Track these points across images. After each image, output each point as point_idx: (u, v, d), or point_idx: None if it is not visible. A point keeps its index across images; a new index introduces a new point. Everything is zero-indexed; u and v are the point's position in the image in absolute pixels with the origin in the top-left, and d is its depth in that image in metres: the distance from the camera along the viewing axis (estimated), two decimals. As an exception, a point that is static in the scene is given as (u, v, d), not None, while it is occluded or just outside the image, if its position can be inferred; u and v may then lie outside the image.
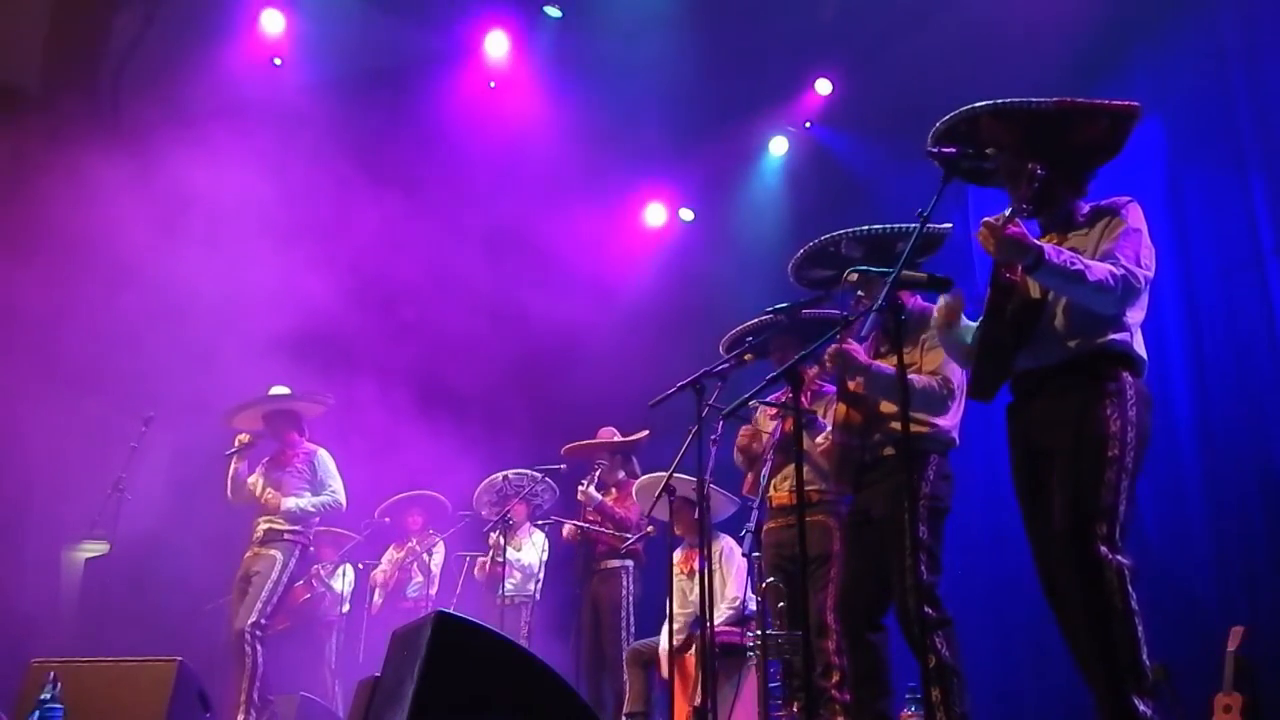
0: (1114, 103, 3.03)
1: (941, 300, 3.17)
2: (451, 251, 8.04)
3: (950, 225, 3.91)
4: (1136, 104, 3.02)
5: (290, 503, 5.85)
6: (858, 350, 3.65)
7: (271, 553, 5.77)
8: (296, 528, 5.92)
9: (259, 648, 5.58)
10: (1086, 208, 3.12)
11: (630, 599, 6.23)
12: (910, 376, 3.19)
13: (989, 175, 3.21)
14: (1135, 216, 3.01)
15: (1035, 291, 3.02)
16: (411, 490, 7.41)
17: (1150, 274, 2.95)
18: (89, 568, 7.85)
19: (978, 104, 3.04)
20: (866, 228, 3.83)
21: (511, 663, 3.06)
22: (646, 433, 6.54)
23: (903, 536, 3.46)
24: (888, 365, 3.62)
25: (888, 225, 3.80)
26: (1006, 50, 6.44)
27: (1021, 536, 3.15)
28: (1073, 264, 2.82)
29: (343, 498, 6.07)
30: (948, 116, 3.10)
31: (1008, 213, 2.89)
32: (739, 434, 4.87)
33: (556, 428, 6.78)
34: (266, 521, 5.89)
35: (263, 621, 5.64)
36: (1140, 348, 3.01)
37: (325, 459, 6.11)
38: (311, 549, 7.30)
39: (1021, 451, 3.12)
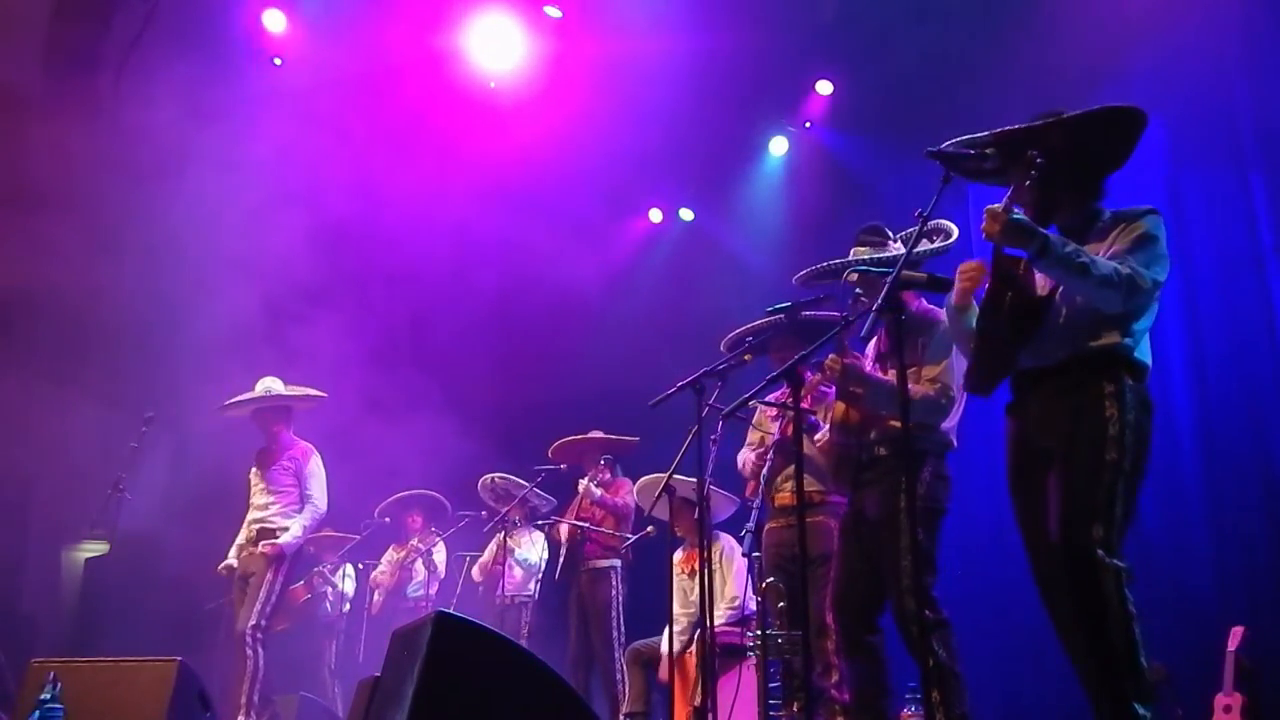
0: (1078, 113, 2.98)
1: (965, 268, 3.14)
2: (450, 250, 8.05)
3: (955, 236, 3.88)
4: (1117, 106, 2.98)
5: (285, 539, 5.77)
6: (860, 362, 3.65)
7: (266, 552, 5.75)
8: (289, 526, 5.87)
9: (260, 650, 5.57)
10: (1108, 215, 3.11)
11: (620, 599, 6.22)
12: (911, 388, 3.18)
13: (990, 174, 3.20)
14: (1153, 225, 2.98)
15: (1040, 290, 3.01)
16: (411, 489, 7.40)
17: (1159, 280, 2.92)
18: (89, 568, 7.86)
19: (978, 135, 3.03)
20: (875, 257, 3.82)
21: (511, 663, 3.06)
22: (636, 439, 6.53)
23: (897, 538, 3.46)
24: (888, 377, 3.62)
25: (892, 254, 3.79)
26: (1006, 51, 6.45)
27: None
28: (1078, 255, 2.81)
29: (322, 505, 5.97)
30: (950, 143, 3.09)
31: (1007, 201, 2.87)
32: (741, 459, 4.89)
33: (553, 428, 6.77)
34: (259, 521, 5.87)
35: (263, 623, 5.62)
36: (1144, 354, 3.00)
37: (315, 461, 6.03)
38: (310, 548, 7.31)
39: (1017, 451, 3.11)
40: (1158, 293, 2.98)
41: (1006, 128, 3.01)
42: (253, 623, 5.58)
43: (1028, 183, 2.89)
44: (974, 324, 3.13)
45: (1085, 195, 3.11)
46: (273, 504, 5.89)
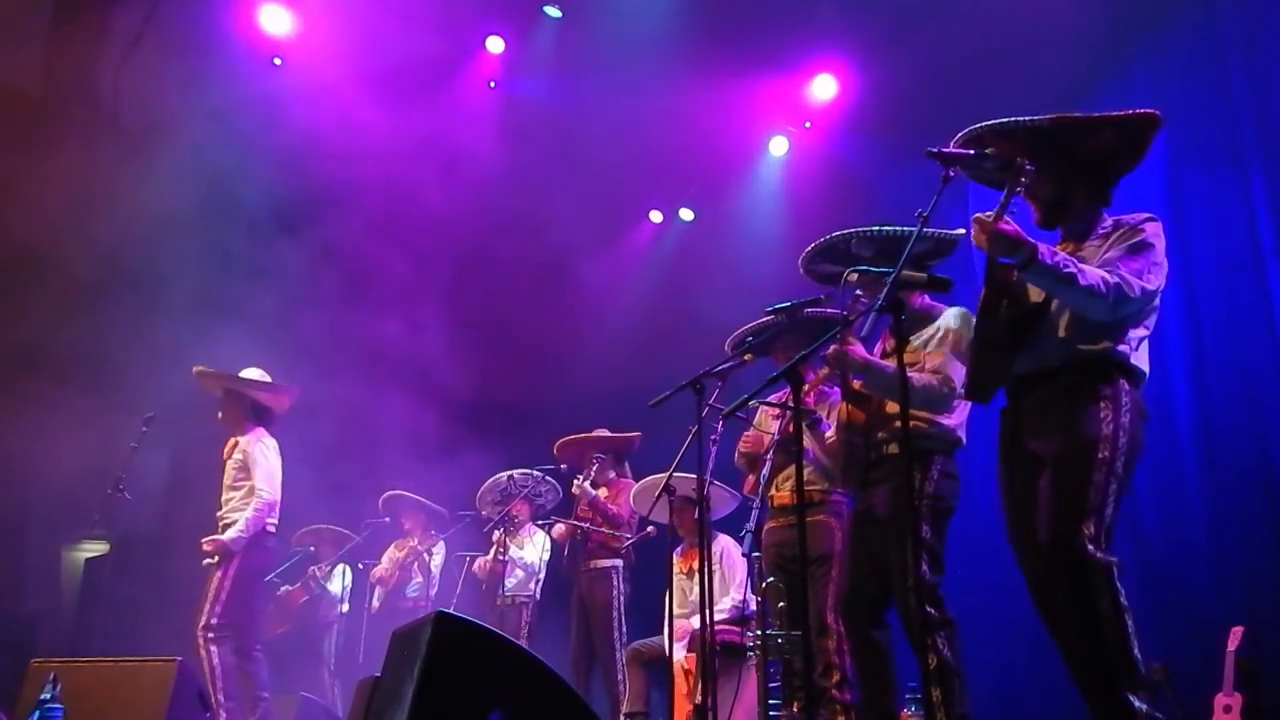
0: (1118, 114, 3.01)
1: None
2: (450, 250, 8.05)
3: (962, 231, 3.89)
4: (1148, 111, 3.00)
5: (229, 534, 5.57)
6: (856, 349, 3.65)
7: (208, 549, 5.60)
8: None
9: (213, 649, 5.38)
10: (1109, 221, 3.11)
11: (621, 599, 6.22)
12: (910, 375, 3.19)
13: (990, 175, 3.21)
14: (1150, 233, 3.00)
15: (1035, 295, 3.01)
16: (410, 491, 7.39)
17: (1151, 288, 2.92)
18: (89, 568, 7.86)
19: (980, 125, 3.04)
20: (877, 228, 3.81)
21: (511, 663, 3.06)
22: (639, 434, 6.54)
23: (905, 536, 3.46)
24: (889, 363, 3.62)
25: (899, 227, 3.78)
26: (1008, 51, 6.44)
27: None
28: (1065, 266, 2.82)
29: (268, 493, 5.66)
30: (956, 138, 3.10)
31: (997, 210, 2.88)
32: (741, 440, 4.86)
33: (553, 428, 6.78)
34: (220, 518, 5.75)
35: (214, 621, 5.42)
36: (1141, 361, 3.00)
37: (260, 449, 5.77)
38: (311, 547, 7.28)
39: (1009, 454, 3.11)
40: (1154, 301, 2.99)
41: (1064, 115, 2.98)
42: (202, 622, 5.42)
43: (1018, 190, 2.90)
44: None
45: (1098, 199, 3.13)
46: (231, 499, 5.76)
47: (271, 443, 5.86)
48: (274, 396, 5.99)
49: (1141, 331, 3.00)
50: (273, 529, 5.81)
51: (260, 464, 5.73)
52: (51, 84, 7.15)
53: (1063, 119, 2.99)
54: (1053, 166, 3.02)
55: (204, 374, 5.95)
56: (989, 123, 3.03)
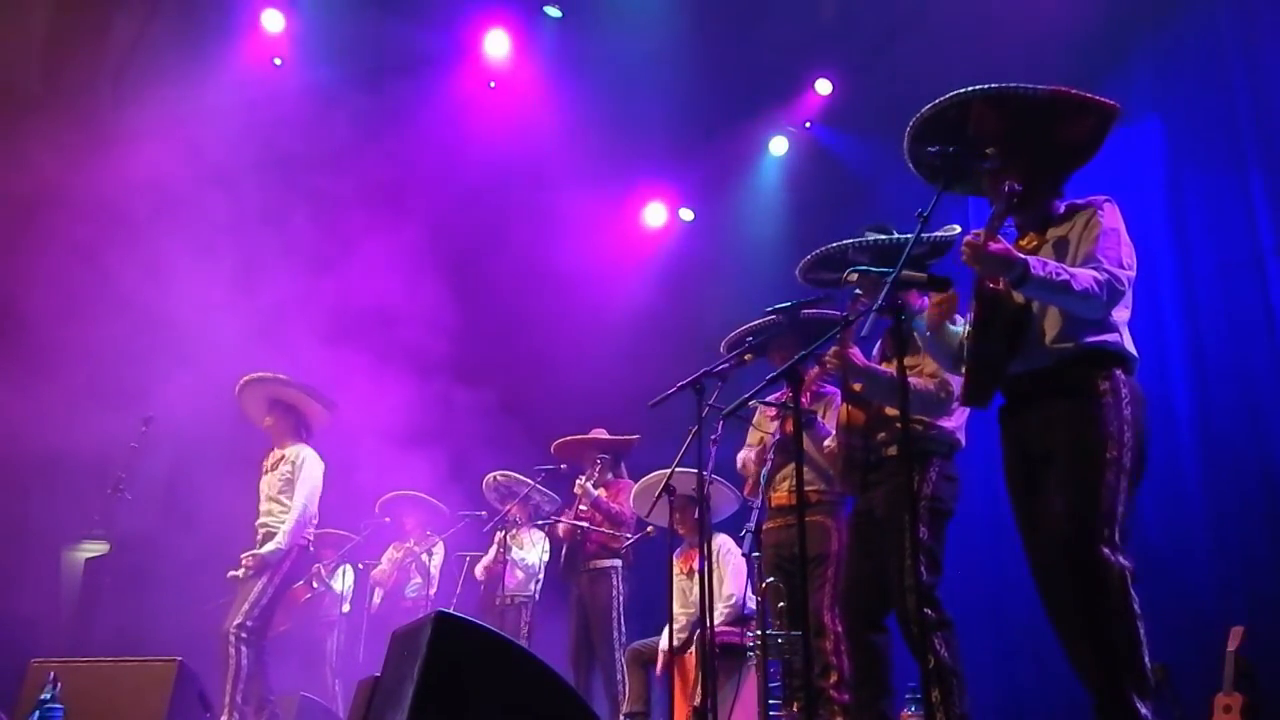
0: (1100, 99, 3.02)
1: (935, 296, 3.17)
2: (451, 249, 8.05)
3: (958, 229, 3.89)
4: (1116, 104, 3.01)
5: (269, 548, 5.64)
6: (857, 354, 3.66)
7: (248, 565, 5.65)
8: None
9: (243, 649, 5.44)
10: (1062, 206, 3.12)
11: (621, 599, 6.22)
12: (910, 380, 3.19)
13: (974, 181, 3.21)
14: (1112, 215, 3.01)
15: (1020, 297, 3.02)
16: (409, 490, 7.39)
17: (1132, 273, 2.95)
18: (89, 568, 7.84)
19: (969, 88, 3.03)
20: (873, 238, 3.81)
21: (511, 663, 3.06)
22: (637, 436, 6.53)
23: (903, 537, 3.46)
24: (888, 368, 3.63)
25: (893, 235, 3.79)
26: (1006, 50, 6.43)
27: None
28: (1057, 275, 2.82)
29: (302, 509, 5.75)
30: (939, 99, 3.09)
31: (985, 230, 2.88)
32: (741, 460, 4.87)
33: (552, 428, 6.77)
34: (262, 525, 5.81)
35: (249, 624, 5.48)
36: (1130, 345, 3.00)
37: (306, 463, 5.85)
38: (311, 549, 7.26)
39: (1015, 455, 3.11)
40: (1133, 283, 3.00)
41: (1060, 89, 2.98)
42: (238, 621, 5.47)
43: (1006, 212, 2.91)
44: (954, 340, 3.17)
45: (1055, 192, 3.15)
46: (272, 509, 5.81)
47: (317, 456, 5.93)
48: (321, 411, 6.05)
49: (1124, 313, 3.00)
50: (309, 542, 5.93)
51: (306, 480, 5.81)
52: (51, 83, 7.15)
53: (1060, 92, 2.98)
54: (1028, 146, 3.01)
55: (254, 380, 5.94)
56: (980, 87, 3.00)
